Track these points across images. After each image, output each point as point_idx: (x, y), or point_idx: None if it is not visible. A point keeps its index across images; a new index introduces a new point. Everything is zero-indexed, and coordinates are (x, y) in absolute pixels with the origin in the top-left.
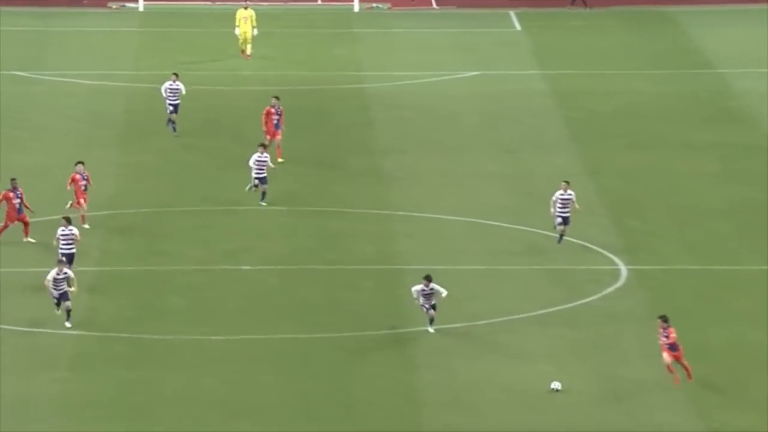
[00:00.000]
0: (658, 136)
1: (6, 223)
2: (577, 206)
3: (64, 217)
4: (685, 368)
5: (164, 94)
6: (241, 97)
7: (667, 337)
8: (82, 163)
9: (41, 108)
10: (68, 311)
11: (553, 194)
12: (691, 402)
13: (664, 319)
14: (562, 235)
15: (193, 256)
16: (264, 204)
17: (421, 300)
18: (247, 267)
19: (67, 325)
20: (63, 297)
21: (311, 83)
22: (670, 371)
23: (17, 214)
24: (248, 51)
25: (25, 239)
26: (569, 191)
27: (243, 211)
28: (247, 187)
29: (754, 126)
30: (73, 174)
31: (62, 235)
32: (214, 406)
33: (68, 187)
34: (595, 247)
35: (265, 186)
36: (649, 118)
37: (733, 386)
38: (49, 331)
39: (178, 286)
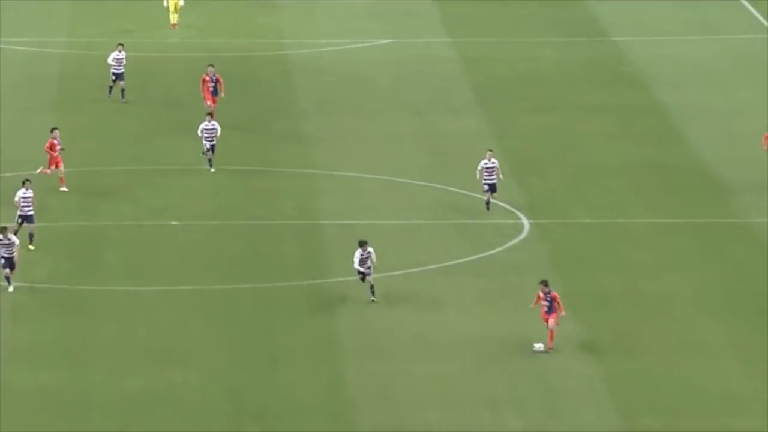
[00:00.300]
0: (558, 99)
1: None
2: (501, 176)
3: (24, 180)
4: (551, 333)
5: (110, 63)
6: (170, 63)
7: (549, 301)
8: (57, 128)
9: None
10: (9, 278)
11: (478, 163)
12: (587, 348)
13: (545, 283)
14: (488, 202)
15: (125, 212)
16: (213, 170)
17: (358, 264)
18: (176, 223)
19: (10, 289)
20: (9, 265)
21: (236, 50)
22: (550, 337)
23: None
24: (174, 20)
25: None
26: (493, 160)
27: (171, 170)
28: (202, 153)
29: (647, 90)
30: (50, 140)
31: (23, 197)
32: (147, 352)
33: (46, 152)
34: (499, 203)
35: (211, 154)
36: (550, 82)
37: (627, 331)
38: None
39: (112, 241)
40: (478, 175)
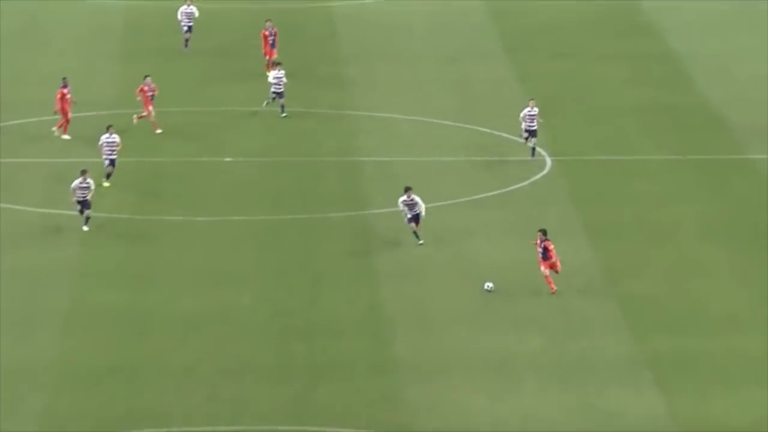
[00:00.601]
0: (577, 47)
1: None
2: (540, 120)
3: (108, 126)
4: (548, 280)
5: (180, 18)
6: (227, 15)
7: (544, 249)
8: (149, 76)
9: (50, 24)
10: (87, 218)
11: (521, 110)
12: (602, 273)
13: (544, 232)
14: (534, 148)
15: (184, 150)
16: (284, 115)
17: (406, 210)
18: (229, 159)
19: (85, 229)
20: (84, 205)
21: (285, 1)
22: (548, 282)
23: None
24: None
25: (58, 133)
26: (535, 108)
27: (226, 112)
28: (265, 102)
29: (659, 38)
30: (141, 86)
31: (107, 141)
32: (202, 276)
33: (137, 98)
34: (511, 137)
35: (283, 99)
36: (570, 32)
37: (638, 258)
38: (63, 212)
39: (171, 175)
40: (521, 122)
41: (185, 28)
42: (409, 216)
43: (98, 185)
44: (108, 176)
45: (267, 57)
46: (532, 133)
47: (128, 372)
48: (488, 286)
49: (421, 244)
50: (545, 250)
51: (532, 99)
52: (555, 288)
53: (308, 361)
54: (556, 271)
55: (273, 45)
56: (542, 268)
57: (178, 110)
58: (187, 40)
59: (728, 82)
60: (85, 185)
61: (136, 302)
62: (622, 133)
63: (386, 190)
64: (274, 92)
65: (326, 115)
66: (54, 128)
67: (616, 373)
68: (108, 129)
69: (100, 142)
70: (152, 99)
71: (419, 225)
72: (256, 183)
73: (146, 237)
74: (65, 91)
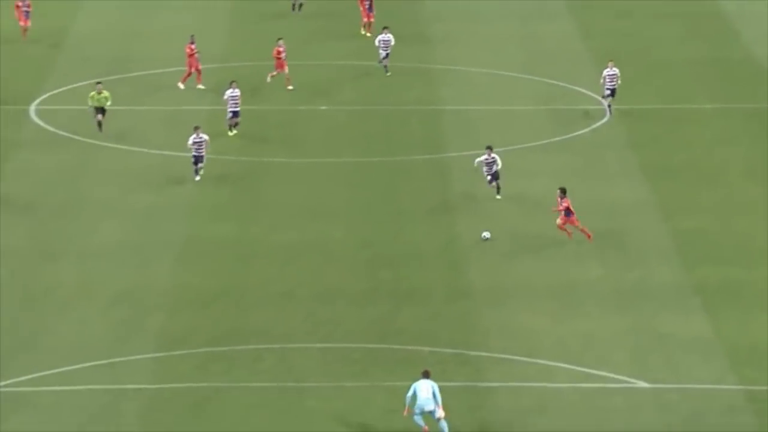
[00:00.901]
0: (635, 6)
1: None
2: (619, 82)
3: (231, 81)
4: (583, 231)
5: None
6: None
7: (566, 209)
8: (281, 39)
9: None
10: (199, 170)
11: (601, 72)
12: (657, 208)
13: (563, 190)
14: (610, 105)
15: (284, 98)
16: (388, 74)
17: (484, 169)
18: (324, 107)
19: (197, 179)
20: (199, 159)
21: None
22: (561, 229)
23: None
24: None
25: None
26: (615, 68)
27: (325, 66)
28: (378, 63)
29: None
30: (276, 47)
31: (231, 96)
32: (299, 211)
33: (274, 57)
34: (586, 92)
35: (387, 60)
36: None
37: (690, 196)
38: (180, 154)
39: (273, 121)
40: (602, 81)
41: None
42: (488, 175)
43: (223, 134)
44: (232, 127)
45: (365, 19)
46: (612, 92)
47: (235, 295)
48: (485, 235)
49: (498, 198)
50: (567, 210)
51: (611, 60)
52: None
53: (392, 287)
54: (576, 226)
55: (370, 9)
56: (559, 221)
57: (251, 64)
58: (294, 5)
59: None
60: (199, 140)
61: (242, 234)
62: (676, 85)
63: (463, 135)
64: (384, 53)
65: (410, 68)
66: (185, 83)
67: (668, 298)
68: (231, 84)
69: (225, 96)
70: (285, 59)
71: (498, 181)
72: (348, 129)
73: (251, 177)
74: (193, 46)
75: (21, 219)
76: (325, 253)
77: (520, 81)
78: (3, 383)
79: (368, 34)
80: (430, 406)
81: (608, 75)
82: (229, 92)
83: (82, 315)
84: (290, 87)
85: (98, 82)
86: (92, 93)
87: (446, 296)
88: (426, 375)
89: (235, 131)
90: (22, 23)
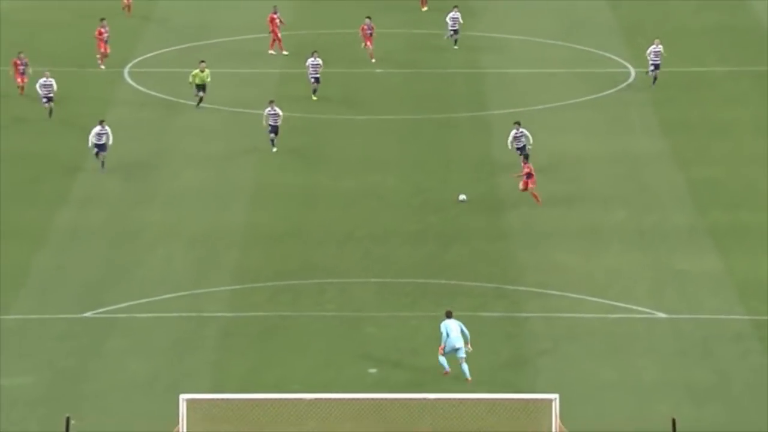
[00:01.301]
0: None
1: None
2: (664, 55)
3: (313, 51)
4: (534, 195)
5: None
6: None
7: (528, 173)
8: (369, 17)
9: None
10: (273, 140)
11: (647, 48)
12: (674, 158)
13: (526, 156)
14: (655, 78)
15: (346, 61)
16: (456, 47)
17: (514, 144)
18: (380, 70)
19: (274, 150)
20: (274, 130)
21: None
22: (523, 191)
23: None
24: None
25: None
26: (660, 45)
27: (382, 34)
28: (445, 36)
29: None
30: (362, 25)
31: (312, 64)
32: (358, 161)
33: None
34: (612, 56)
35: (458, 35)
36: None
37: (703, 148)
38: (253, 111)
39: (335, 82)
40: (648, 55)
41: None
42: (517, 149)
43: (290, 94)
44: (315, 91)
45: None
46: (656, 66)
47: (300, 235)
48: (462, 198)
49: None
50: (529, 174)
51: (657, 38)
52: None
53: (440, 229)
54: (530, 189)
55: None
56: (521, 185)
57: (345, 32)
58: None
59: None
60: (273, 112)
61: (307, 182)
62: (691, 50)
63: (503, 95)
64: (451, 29)
65: (462, 37)
66: (270, 50)
67: (683, 239)
68: (313, 54)
69: (307, 64)
70: (371, 36)
71: (527, 156)
72: (401, 89)
73: (316, 131)
74: (275, 15)
75: (115, 168)
76: (380, 199)
77: (554, 47)
78: (102, 310)
79: (424, 8)
80: (459, 344)
81: (653, 51)
82: (310, 60)
83: (168, 252)
84: (373, 60)
85: (201, 61)
86: (195, 71)
87: (487, 237)
88: (449, 315)
89: (315, 97)
90: (125, 1)
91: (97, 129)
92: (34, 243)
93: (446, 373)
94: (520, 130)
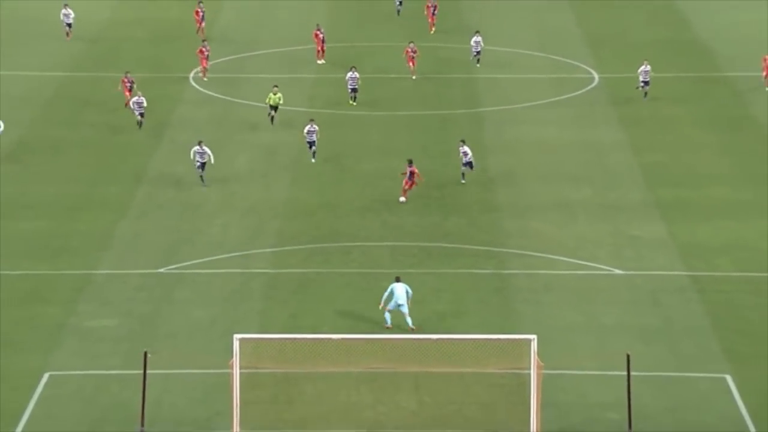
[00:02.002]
0: (616, 2)
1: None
2: (651, 73)
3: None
4: (405, 190)
5: None
6: None
7: (410, 173)
8: (413, 42)
9: None
10: (314, 153)
11: (638, 67)
12: (630, 147)
13: (410, 161)
14: (646, 93)
15: (367, 68)
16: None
17: (462, 158)
18: (394, 76)
19: (312, 161)
20: (312, 144)
21: None
22: (405, 190)
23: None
24: None
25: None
26: (648, 66)
27: (398, 47)
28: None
29: None
30: (407, 48)
31: (308, 131)
32: (375, 149)
33: (404, 56)
34: (580, 64)
35: (480, 56)
36: None
37: (653, 138)
38: (291, 108)
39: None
40: (638, 75)
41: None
42: (463, 161)
43: (349, 105)
44: (354, 99)
45: (429, 20)
46: (646, 83)
47: (331, 207)
48: (401, 200)
49: (463, 183)
50: (411, 174)
51: (646, 59)
52: (405, 199)
53: (441, 203)
54: (408, 187)
55: (434, 13)
56: (407, 187)
57: (365, 44)
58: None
59: (713, 25)
60: (312, 129)
61: (335, 164)
62: (643, 58)
63: (492, 96)
64: (475, 51)
65: (454, 48)
66: (318, 60)
67: (637, 211)
68: (351, 68)
69: (347, 77)
70: (414, 57)
71: (467, 168)
72: (411, 91)
73: (342, 125)
74: (318, 31)
75: (181, 153)
76: (393, 179)
77: (534, 57)
78: (171, 267)
79: (432, 31)
80: (402, 301)
81: (643, 71)
82: (350, 74)
83: (224, 221)
84: (414, 77)
85: (275, 85)
86: (270, 94)
87: (479, 209)
88: (398, 279)
89: (354, 103)
90: (198, 24)
91: (196, 148)
92: (117, 213)
93: (388, 327)
94: (464, 148)
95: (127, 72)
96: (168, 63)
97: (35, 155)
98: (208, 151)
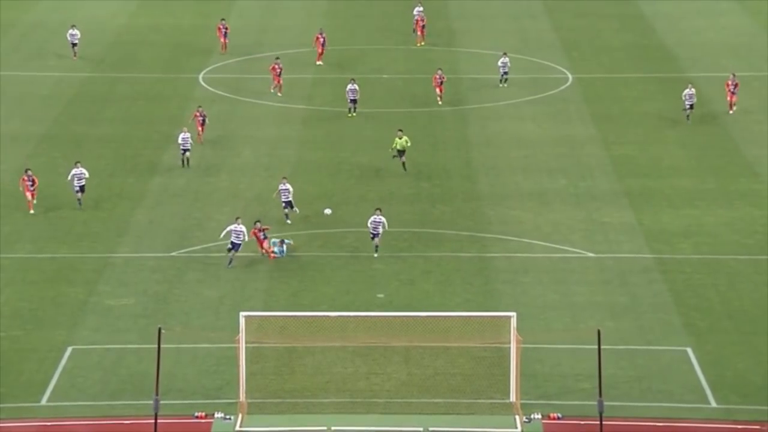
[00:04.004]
0: (589, 8)
1: None
2: (695, 99)
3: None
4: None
5: None
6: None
7: (262, 232)
8: (441, 69)
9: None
10: (287, 215)
11: (683, 91)
12: (600, 141)
13: (259, 221)
14: (689, 116)
15: (361, 69)
16: (504, 85)
17: (370, 228)
18: (386, 76)
19: (327, 212)
20: (288, 205)
21: None
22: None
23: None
24: None
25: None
26: (693, 89)
27: (388, 49)
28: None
29: (635, 6)
30: (434, 75)
31: (282, 189)
32: (369, 142)
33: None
34: (555, 66)
35: (507, 81)
36: (584, 2)
37: (622, 132)
38: (293, 106)
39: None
40: (683, 98)
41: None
42: (372, 233)
43: (348, 116)
44: (352, 110)
45: (419, 33)
46: (691, 106)
47: (327, 197)
48: (327, 211)
49: (376, 257)
50: (260, 234)
51: (690, 83)
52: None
53: (429, 192)
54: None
55: (423, 27)
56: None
57: (359, 47)
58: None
59: (676, 31)
60: (284, 188)
61: (331, 158)
62: (613, 61)
63: (476, 95)
64: (503, 72)
65: (442, 50)
66: (317, 62)
67: (607, 199)
68: (351, 80)
69: (347, 89)
70: (441, 84)
71: (379, 240)
72: (400, 90)
73: (338, 121)
74: (319, 35)
75: (192, 147)
76: (385, 170)
77: (514, 59)
78: (183, 251)
79: (421, 44)
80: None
81: (687, 94)
82: (349, 86)
83: (231, 209)
84: (440, 102)
85: (399, 129)
86: (395, 138)
87: (463, 198)
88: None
89: (353, 114)
90: (222, 40)
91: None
92: (134, 202)
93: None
94: (380, 217)
95: (199, 106)
96: (180, 64)
97: (59, 149)
98: (244, 229)
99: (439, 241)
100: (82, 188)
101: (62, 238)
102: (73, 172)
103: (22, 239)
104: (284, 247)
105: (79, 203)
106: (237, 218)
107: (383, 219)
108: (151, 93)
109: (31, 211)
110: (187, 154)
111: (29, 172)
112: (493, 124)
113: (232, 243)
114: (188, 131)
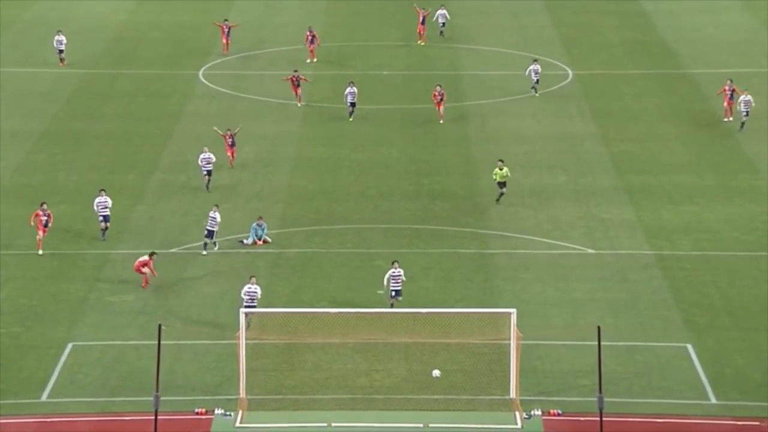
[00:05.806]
0: (588, 6)
1: None
2: (753, 105)
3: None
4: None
5: None
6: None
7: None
8: (440, 85)
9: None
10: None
11: (737, 98)
12: (602, 136)
13: (150, 254)
14: (743, 124)
15: (360, 65)
16: (536, 93)
17: (391, 284)
18: (387, 72)
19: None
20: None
21: None
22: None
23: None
24: None
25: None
26: (749, 96)
27: (389, 45)
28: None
29: (636, 3)
30: (433, 91)
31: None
32: (369, 139)
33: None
34: (556, 62)
35: (537, 84)
36: None
37: (623, 129)
38: (291, 102)
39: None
40: (739, 107)
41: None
42: (392, 290)
43: (330, 93)
44: (350, 114)
45: (419, 34)
46: (747, 113)
47: (327, 194)
48: (435, 373)
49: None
50: (146, 266)
51: (746, 89)
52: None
53: (429, 189)
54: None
55: (423, 22)
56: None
57: (357, 44)
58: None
59: (676, 28)
60: (213, 222)
61: (332, 154)
62: (614, 57)
63: (477, 91)
64: (535, 81)
65: (442, 47)
66: (307, 59)
67: (607, 196)
68: (350, 83)
69: (345, 92)
70: (441, 101)
71: (401, 298)
72: (401, 87)
73: (337, 117)
74: (309, 33)
75: (194, 143)
76: (386, 167)
77: (514, 55)
78: (183, 247)
79: (421, 43)
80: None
81: (744, 101)
82: (348, 89)
83: (232, 205)
84: (442, 121)
85: (500, 160)
86: (495, 169)
87: (464, 195)
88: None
89: (351, 118)
90: (224, 41)
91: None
92: (134, 198)
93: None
94: (399, 269)
95: (228, 129)
96: (180, 61)
97: (59, 146)
98: (218, 217)
99: (439, 238)
100: (105, 218)
101: (62, 235)
102: (97, 200)
103: (22, 236)
104: (261, 229)
105: (103, 234)
106: (215, 205)
107: (401, 272)
108: (151, 89)
109: (40, 252)
110: (210, 176)
111: (44, 206)
112: (493, 120)
113: (207, 230)
114: (209, 151)
